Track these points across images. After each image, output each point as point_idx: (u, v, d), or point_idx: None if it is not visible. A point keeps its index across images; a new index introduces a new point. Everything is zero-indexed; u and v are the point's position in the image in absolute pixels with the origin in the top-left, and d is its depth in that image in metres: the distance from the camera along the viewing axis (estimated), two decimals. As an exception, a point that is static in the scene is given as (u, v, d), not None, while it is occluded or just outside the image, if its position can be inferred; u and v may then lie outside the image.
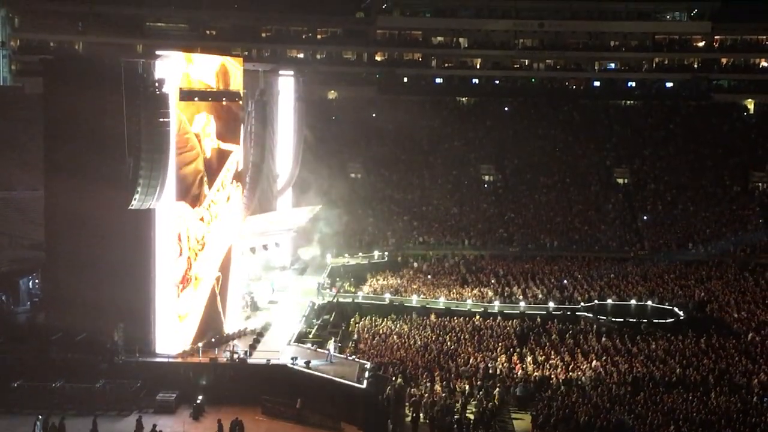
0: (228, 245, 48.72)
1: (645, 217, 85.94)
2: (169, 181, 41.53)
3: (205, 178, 45.56)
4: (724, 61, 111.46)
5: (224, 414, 37.85)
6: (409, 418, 40.21)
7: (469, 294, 61.96)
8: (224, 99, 47.14)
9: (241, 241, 51.98)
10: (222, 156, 47.13)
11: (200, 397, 40.39)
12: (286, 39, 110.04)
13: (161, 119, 40.24)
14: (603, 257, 76.91)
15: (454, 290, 63.27)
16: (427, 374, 44.88)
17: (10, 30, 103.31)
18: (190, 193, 44.48)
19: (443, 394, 41.97)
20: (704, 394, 42.73)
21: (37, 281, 53.24)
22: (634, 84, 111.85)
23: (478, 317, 56.35)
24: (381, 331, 52.94)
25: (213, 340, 45.80)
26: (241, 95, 49.66)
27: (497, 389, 42.88)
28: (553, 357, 48.40)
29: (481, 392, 42.47)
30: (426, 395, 41.89)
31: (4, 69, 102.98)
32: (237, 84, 48.49)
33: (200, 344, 44.35)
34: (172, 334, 43.85)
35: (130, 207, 40.32)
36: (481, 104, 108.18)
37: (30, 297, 52.69)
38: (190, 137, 43.95)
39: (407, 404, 41.51)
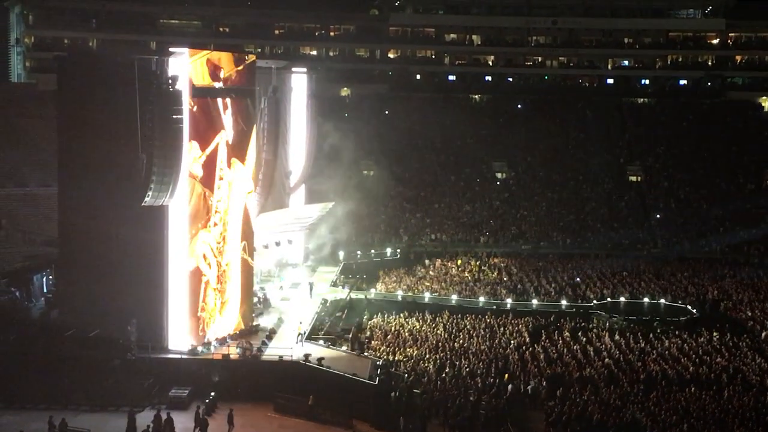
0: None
1: (657, 216, 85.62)
2: (180, 187, 41.71)
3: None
4: (738, 58, 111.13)
5: (236, 410, 37.93)
6: (420, 415, 40.15)
7: (482, 291, 61.89)
8: (236, 96, 47.12)
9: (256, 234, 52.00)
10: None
11: (212, 393, 40.46)
12: (299, 36, 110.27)
13: (174, 116, 40.32)
14: (616, 255, 76.69)
15: (467, 287, 63.18)
16: (439, 371, 44.83)
17: (25, 27, 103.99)
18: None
19: (455, 392, 41.92)
20: (717, 393, 42.60)
21: (50, 277, 53.40)
22: (647, 81, 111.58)
23: (490, 314, 56.31)
24: (393, 328, 52.93)
25: (227, 335, 46.03)
26: (254, 92, 49.59)
27: (510, 387, 42.85)
28: (565, 355, 48.32)
29: (493, 390, 42.42)
30: (438, 392, 41.87)
31: (18, 66, 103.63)
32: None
33: (213, 340, 44.66)
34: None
35: (143, 203, 40.42)
36: (494, 101, 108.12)
37: (43, 293, 52.86)
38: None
39: (419, 401, 41.46)
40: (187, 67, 42.80)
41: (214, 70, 45.39)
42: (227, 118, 46.65)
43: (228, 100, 46.52)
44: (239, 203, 48.07)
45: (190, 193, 43.39)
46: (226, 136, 46.85)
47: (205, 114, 44.94)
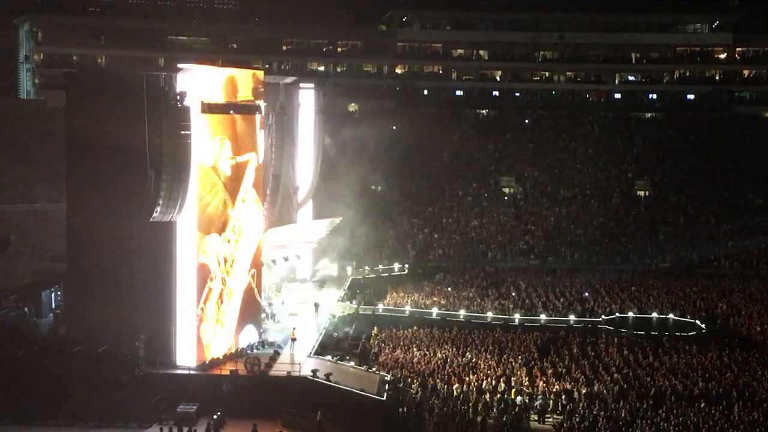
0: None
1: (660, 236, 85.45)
2: (189, 202, 41.78)
3: (228, 200, 45.15)
4: (746, 73, 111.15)
5: (244, 426, 37.88)
6: (429, 431, 40.06)
7: (490, 306, 61.81)
8: (245, 112, 47.25)
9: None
10: (240, 169, 46.33)
11: (220, 410, 40.39)
12: (307, 52, 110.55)
13: (183, 132, 40.41)
14: (624, 270, 76.52)
15: (475, 303, 63.11)
16: (447, 386, 44.76)
17: (34, 44, 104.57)
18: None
19: (463, 407, 41.83)
20: (727, 408, 42.39)
21: (59, 293, 53.47)
22: (655, 96, 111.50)
23: (498, 330, 56.21)
24: (401, 344, 52.87)
25: (232, 352, 45.99)
26: (262, 108, 49.69)
27: (518, 402, 42.74)
28: (574, 370, 48.19)
29: (501, 405, 42.32)
30: (446, 407, 41.78)
31: (27, 82, 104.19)
32: (247, 92, 47.81)
33: (217, 357, 44.63)
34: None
35: (151, 220, 40.49)
36: (502, 116, 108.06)
37: (52, 309, 52.90)
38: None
39: (427, 416, 41.39)
40: (200, 82, 43.19)
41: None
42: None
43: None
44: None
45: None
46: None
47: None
